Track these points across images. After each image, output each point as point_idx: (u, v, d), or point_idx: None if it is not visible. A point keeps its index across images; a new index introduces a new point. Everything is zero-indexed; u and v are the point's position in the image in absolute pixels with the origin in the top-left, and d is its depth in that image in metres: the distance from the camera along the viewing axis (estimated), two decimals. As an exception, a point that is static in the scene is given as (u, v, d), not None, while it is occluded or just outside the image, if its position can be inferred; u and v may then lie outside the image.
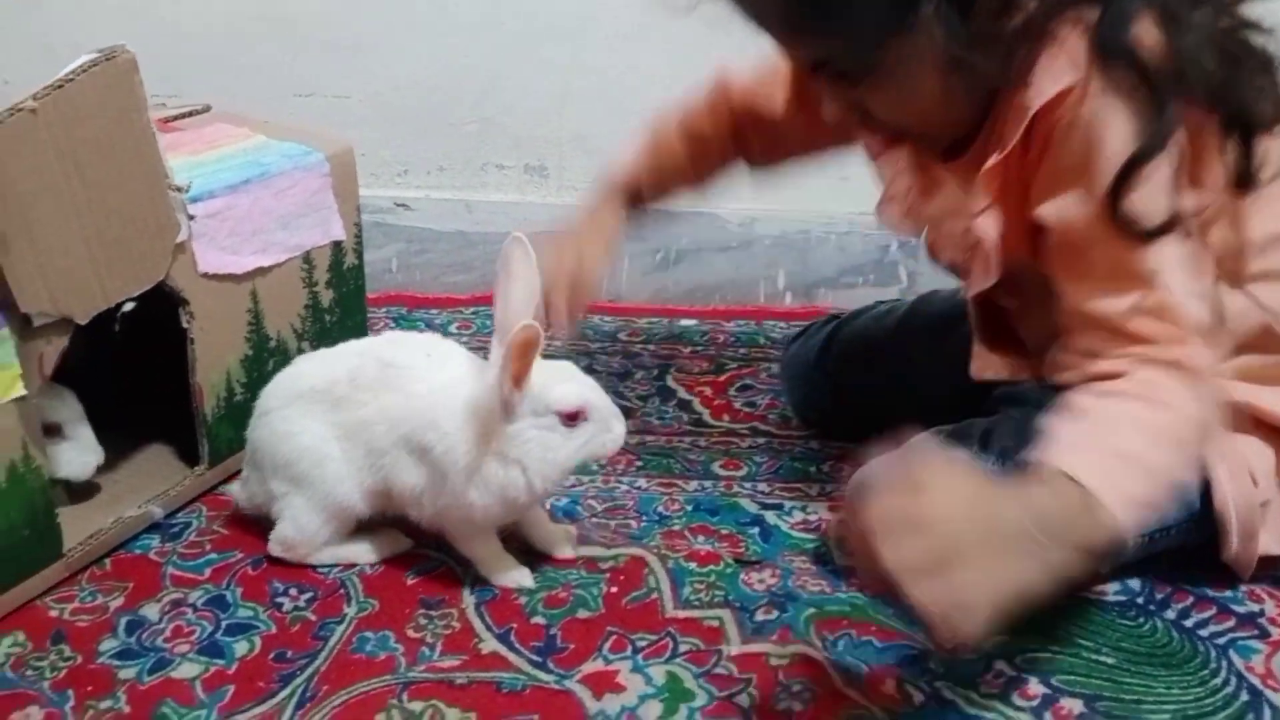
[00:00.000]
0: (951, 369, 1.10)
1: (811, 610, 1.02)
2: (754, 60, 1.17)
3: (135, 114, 0.99)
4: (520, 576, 1.05)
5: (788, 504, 1.19)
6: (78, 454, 1.08)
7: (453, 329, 1.64)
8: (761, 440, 1.34)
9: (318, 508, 1.04)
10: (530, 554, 1.09)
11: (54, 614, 1.00)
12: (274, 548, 1.07)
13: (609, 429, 0.99)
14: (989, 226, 0.94)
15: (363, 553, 1.07)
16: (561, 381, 0.97)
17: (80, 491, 1.12)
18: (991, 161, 0.91)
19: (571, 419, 0.97)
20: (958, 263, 1.05)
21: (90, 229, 0.97)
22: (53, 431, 1.04)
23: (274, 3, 1.66)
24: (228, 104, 1.35)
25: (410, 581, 1.05)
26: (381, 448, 1.01)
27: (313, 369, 1.08)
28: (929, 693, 0.93)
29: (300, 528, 1.05)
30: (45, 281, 0.93)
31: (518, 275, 0.98)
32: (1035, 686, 0.94)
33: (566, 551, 1.09)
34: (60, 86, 0.92)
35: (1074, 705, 0.91)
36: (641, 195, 1.26)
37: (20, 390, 0.94)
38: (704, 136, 1.23)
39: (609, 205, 1.25)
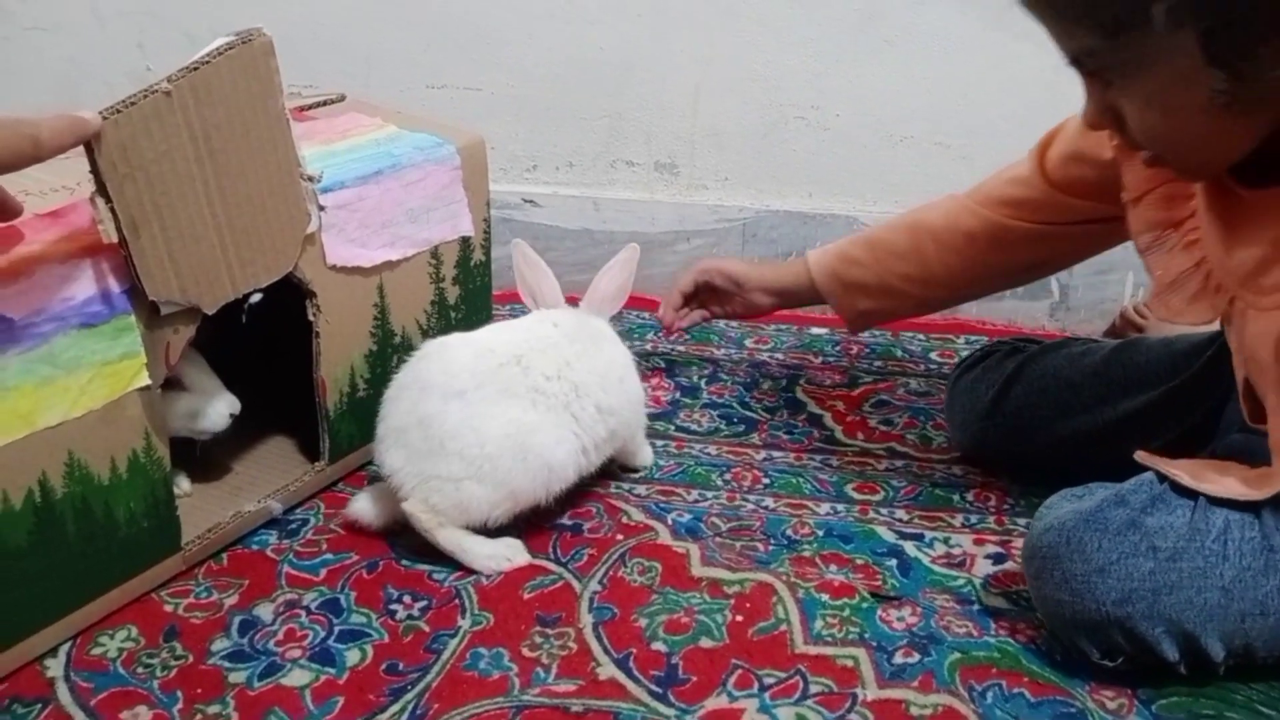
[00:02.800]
0: (1162, 422, 1.01)
1: (956, 655, 0.93)
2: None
3: (270, 99, 0.96)
4: None
5: (929, 534, 1.11)
6: (212, 405, 1.06)
7: (575, 329, 1.60)
8: (899, 462, 1.26)
9: (504, 490, 1.02)
10: (649, 573, 1.03)
11: (169, 609, 0.98)
12: (416, 505, 1.02)
13: None
14: None
15: (482, 556, 1.03)
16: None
17: (203, 476, 1.10)
18: None
19: None
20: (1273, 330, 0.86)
21: (221, 216, 0.94)
22: (177, 385, 1.03)
23: (409, -8, 1.64)
24: (360, 94, 1.33)
25: (527, 596, 1.01)
26: (609, 405, 1.09)
27: (492, 344, 1.06)
28: (1088, 757, 0.84)
29: (465, 507, 1.02)
30: (174, 269, 0.91)
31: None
32: (1209, 758, 0.84)
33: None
34: (195, 69, 0.89)
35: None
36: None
37: (145, 380, 0.92)
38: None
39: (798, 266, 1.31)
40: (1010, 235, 1.16)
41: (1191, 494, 0.89)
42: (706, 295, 1.40)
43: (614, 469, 1.20)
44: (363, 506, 1.08)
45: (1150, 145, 0.85)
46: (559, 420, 1.05)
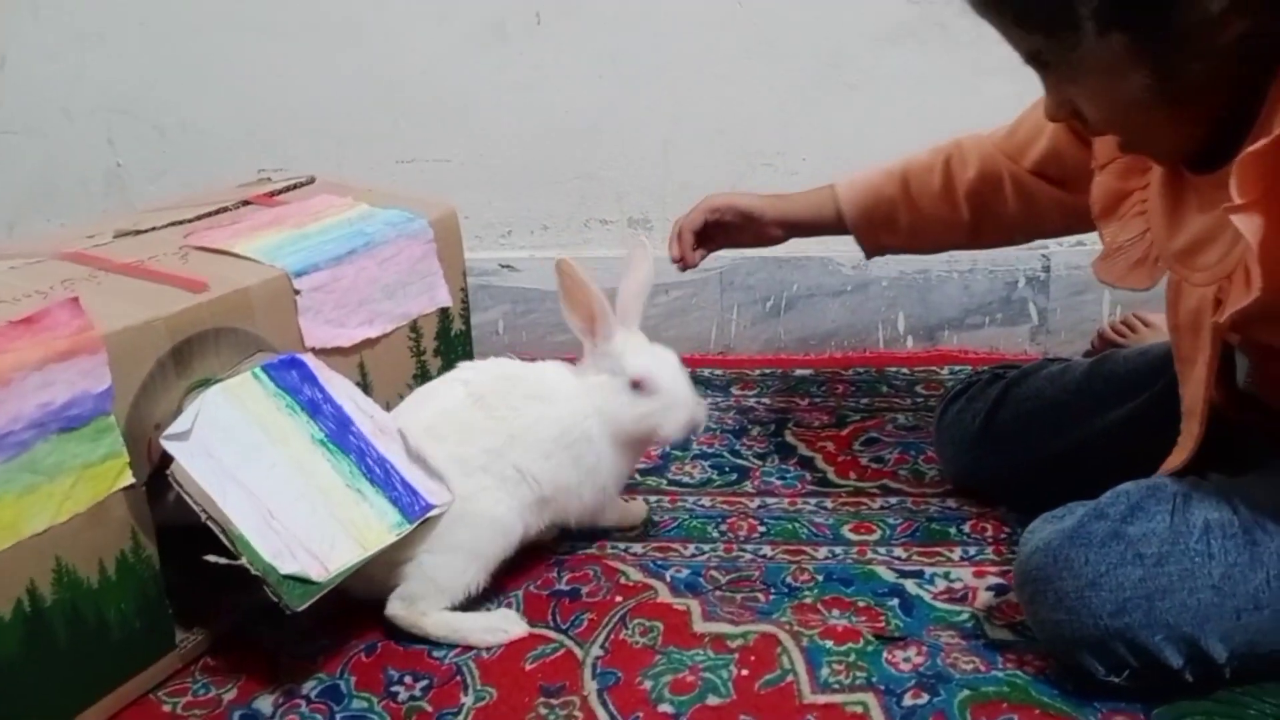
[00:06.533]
0: (1149, 429, 1.00)
1: (966, 692, 0.92)
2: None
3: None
4: None
5: (928, 570, 1.10)
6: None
7: (561, 390, 1.60)
8: (893, 499, 1.25)
9: (462, 554, 1.02)
10: (651, 633, 1.02)
11: (167, 709, 0.97)
12: (394, 605, 1.03)
13: (672, 412, 1.09)
14: (1251, 226, 0.77)
15: (478, 631, 1.02)
16: (642, 353, 1.10)
17: (193, 568, 1.09)
18: (1256, 147, 0.75)
19: (637, 386, 1.08)
20: (1206, 303, 0.90)
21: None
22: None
23: (374, 71, 1.66)
24: (333, 173, 1.34)
25: (529, 667, 0.99)
26: (546, 451, 1.07)
27: (417, 413, 1.07)
28: (1107, 788, 0.83)
29: (433, 580, 1.02)
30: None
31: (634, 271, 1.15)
32: (1229, 779, 0.83)
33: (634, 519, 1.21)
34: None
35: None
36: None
37: (129, 479, 0.92)
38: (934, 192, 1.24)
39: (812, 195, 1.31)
40: (1046, 199, 1.19)
41: (1167, 501, 0.90)
42: (715, 231, 1.35)
43: (610, 530, 1.20)
44: None
45: (1107, 131, 0.92)
46: (484, 483, 1.05)
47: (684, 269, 1.36)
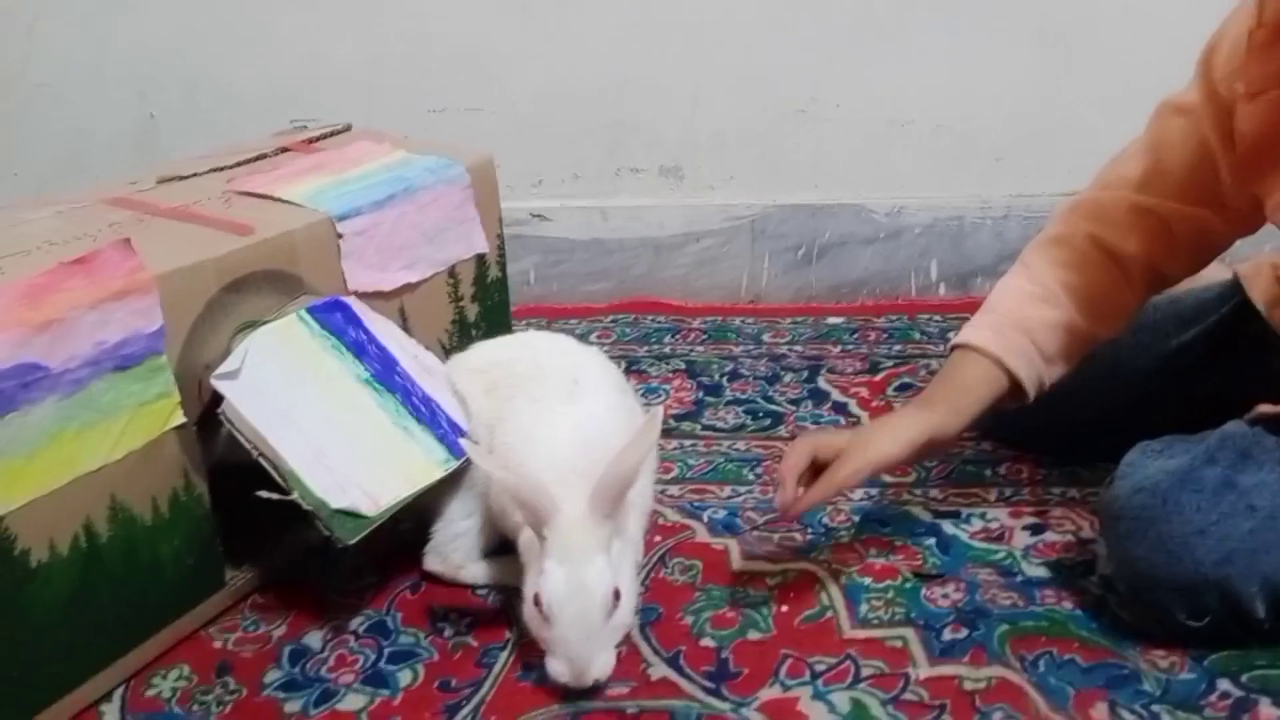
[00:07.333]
0: (1184, 376, 0.99)
1: (1005, 627, 0.93)
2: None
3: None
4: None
5: (964, 511, 1.11)
6: None
7: (593, 338, 1.61)
8: (928, 443, 1.26)
9: (468, 503, 1.02)
10: (690, 571, 1.04)
11: (218, 645, 0.99)
12: (431, 561, 1.04)
13: (552, 659, 0.87)
14: None
15: (517, 575, 1.03)
16: (562, 569, 0.86)
17: (241, 510, 1.11)
18: None
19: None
20: None
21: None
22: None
23: (402, 22, 1.66)
24: (364, 124, 1.35)
25: (571, 603, 1.01)
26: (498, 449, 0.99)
27: (484, 350, 1.10)
28: (1146, 718, 0.83)
29: (453, 531, 1.03)
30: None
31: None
32: (1267, 709, 0.84)
33: None
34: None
35: (1316, 729, 0.81)
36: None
37: (180, 418, 0.93)
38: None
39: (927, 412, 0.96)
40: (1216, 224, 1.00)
41: (1276, 448, 0.89)
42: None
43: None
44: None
45: None
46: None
47: (788, 522, 1.09)
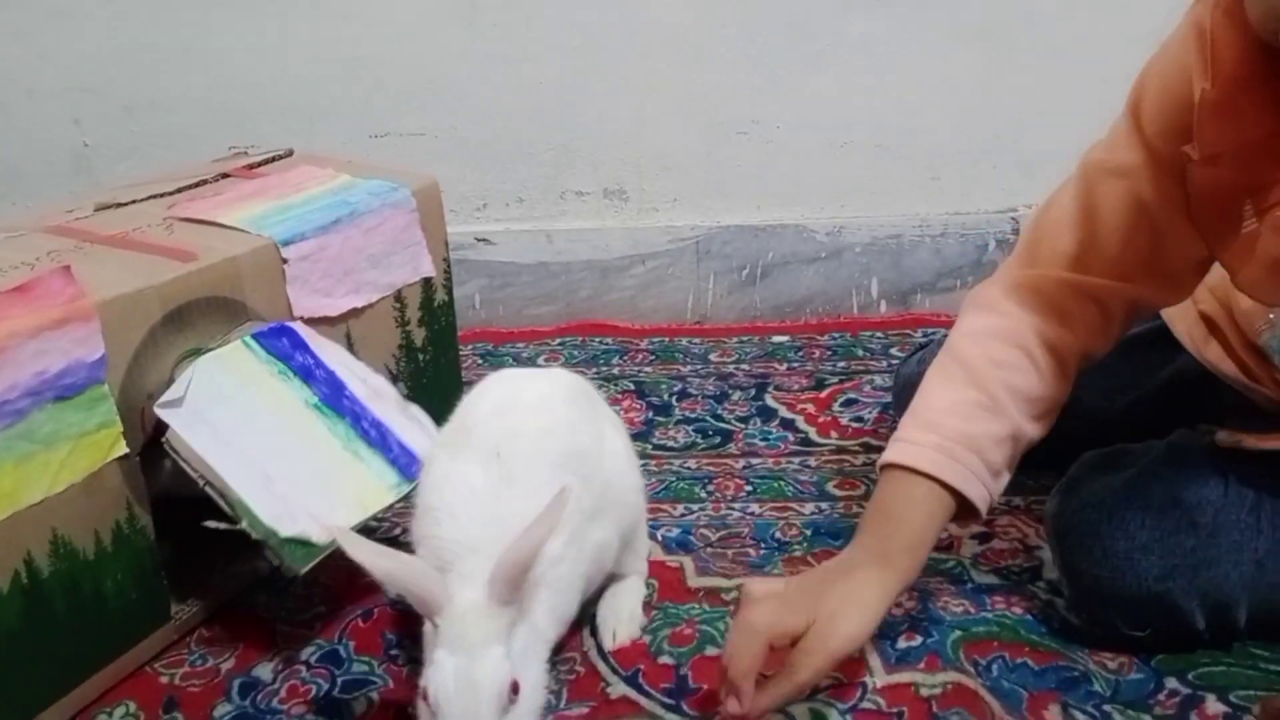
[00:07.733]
0: (1115, 389, 1.01)
1: (958, 633, 0.95)
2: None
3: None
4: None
5: (914, 522, 1.12)
6: None
7: (540, 361, 1.61)
8: (875, 456, 1.26)
9: None
10: (647, 589, 1.04)
11: (165, 680, 0.97)
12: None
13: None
14: None
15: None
16: (450, 663, 0.76)
17: (187, 540, 1.09)
18: None
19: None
20: None
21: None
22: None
23: (344, 46, 1.65)
24: (305, 150, 1.34)
25: (527, 625, 1.00)
26: None
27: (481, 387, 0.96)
28: (1098, 718, 0.85)
29: None
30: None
31: None
32: (1214, 705, 0.86)
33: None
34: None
35: (1261, 724, 0.83)
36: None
37: (123, 448, 0.91)
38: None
39: (882, 567, 0.86)
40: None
41: (1222, 468, 0.90)
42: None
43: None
44: None
45: None
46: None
47: None
